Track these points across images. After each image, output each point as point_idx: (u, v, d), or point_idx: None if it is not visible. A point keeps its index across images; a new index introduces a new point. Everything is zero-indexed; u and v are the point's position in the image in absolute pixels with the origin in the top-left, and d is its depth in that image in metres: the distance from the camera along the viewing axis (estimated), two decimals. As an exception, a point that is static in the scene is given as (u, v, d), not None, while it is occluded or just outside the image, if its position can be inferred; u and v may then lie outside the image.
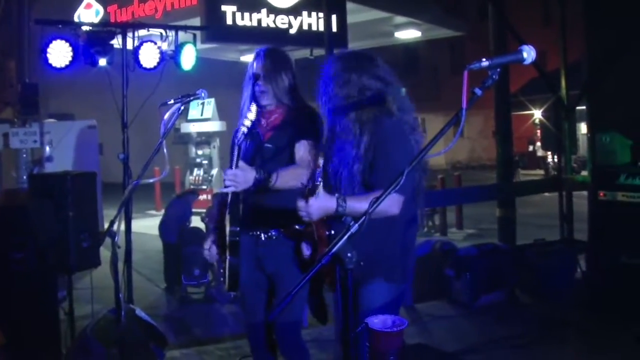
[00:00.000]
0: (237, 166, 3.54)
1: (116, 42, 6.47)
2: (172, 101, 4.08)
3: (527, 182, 14.45)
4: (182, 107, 4.10)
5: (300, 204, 3.03)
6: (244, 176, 3.52)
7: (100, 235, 5.37)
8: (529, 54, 2.43)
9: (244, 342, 5.95)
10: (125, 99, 6.11)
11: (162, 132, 3.99)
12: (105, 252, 6.46)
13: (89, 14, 13.57)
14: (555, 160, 11.81)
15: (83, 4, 13.68)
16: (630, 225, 6.78)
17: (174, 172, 17.84)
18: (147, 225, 10.49)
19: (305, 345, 4.13)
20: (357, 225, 2.27)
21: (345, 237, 2.27)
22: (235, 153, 3.62)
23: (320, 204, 3.00)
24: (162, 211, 17.16)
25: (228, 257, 3.80)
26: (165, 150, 4.03)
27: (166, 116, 4.05)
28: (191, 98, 4.10)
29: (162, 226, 9.16)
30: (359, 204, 2.95)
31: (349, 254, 2.28)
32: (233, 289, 3.82)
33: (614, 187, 6.91)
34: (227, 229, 3.79)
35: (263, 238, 3.87)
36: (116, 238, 3.96)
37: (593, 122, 7.58)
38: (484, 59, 2.41)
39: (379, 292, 3.28)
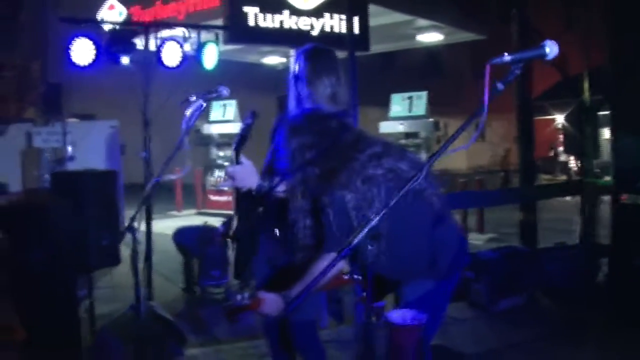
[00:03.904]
0: (237, 163, 3.56)
1: (139, 43, 6.52)
2: (194, 98, 4.10)
3: (549, 185, 14.39)
4: (204, 104, 4.11)
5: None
6: (241, 174, 3.54)
7: (121, 233, 5.41)
8: (551, 49, 2.41)
9: (262, 342, 5.95)
10: (147, 97, 6.15)
11: (184, 129, 4.00)
12: (125, 251, 6.51)
13: (112, 15, 13.68)
14: (578, 164, 11.77)
15: (106, 5, 13.79)
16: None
17: (195, 174, 17.89)
18: (168, 225, 10.53)
19: (320, 344, 4.13)
20: (377, 218, 2.26)
21: (365, 230, 2.26)
22: (234, 152, 3.64)
23: (269, 310, 3.04)
24: (183, 212, 17.37)
25: (235, 252, 3.86)
26: (187, 148, 4.04)
27: (188, 113, 4.06)
28: (213, 95, 4.11)
29: (180, 235, 9.12)
30: (306, 278, 3.01)
31: (369, 247, 2.27)
32: (237, 277, 3.86)
33: (636, 190, 6.86)
34: (234, 223, 3.83)
35: (277, 234, 3.87)
36: (136, 234, 3.99)
37: (616, 124, 7.51)
38: (506, 54, 2.40)
39: (411, 291, 3.28)
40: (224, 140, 17.16)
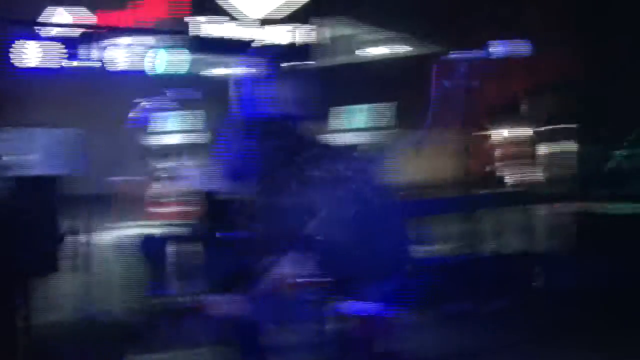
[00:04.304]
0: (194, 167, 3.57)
1: (90, 47, 6.44)
2: (145, 102, 4.08)
3: (502, 193, 14.56)
4: (156, 108, 4.10)
5: None
6: (199, 178, 3.56)
7: (65, 237, 5.33)
8: (495, 49, 2.44)
9: (221, 348, 5.88)
10: (99, 102, 6.03)
11: (136, 132, 4.00)
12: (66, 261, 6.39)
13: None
14: (523, 178, 12.04)
15: (55, 13, 13.58)
16: (599, 234, 6.90)
17: (140, 185, 17.69)
18: (112, 237, 10.36)
19: (268, 347, 4.13)
20: (324, 210, 2.27)
21: (316, 219, 2.28)
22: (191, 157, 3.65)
23: (227, 311, 3.06)
24: (127, 223, 17.13)
25: (204, 252, 3.89)
26: (138, 149, 4.02)
27: (139, 116, 4.05)
28: (166, 98, 4.11)
29: (132, 243, 8.99)
30: (263, 278, 3.02)
31: (319, 238, 2.29)
32: (199, 279, 3.88)
33: (593, 198, 7.03)
34: (195, 226, 3.85)
35: (234, 237, 3.88)
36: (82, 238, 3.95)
37: (573, 136, 7.73)
38: (453, 53, 2.43)
39: (368, 290, 3.28)
40: (169, 151, 17.02)
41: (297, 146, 3.28)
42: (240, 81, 3.86)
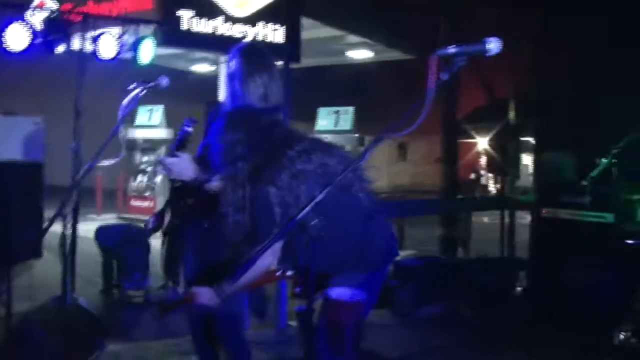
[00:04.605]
0: (174, 155, 3.58)
1: (75, 36, 6.43)
2: (132, 86, 4.08)
3: (471, 199, 14.71)
4: (142, 93, 4.10)
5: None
6: (177, 166, 3.58)
7: (49, 222, 5.31)
8: (494, 45, 2.50)
9: (184, 340, 5.91)
10: (80, 88, 6.04)
11: (120, 116, 3.99)
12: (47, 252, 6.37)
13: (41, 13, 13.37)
14: (498, 186, 12.16)
15: (35, 2, 13.47)
16: (569, 242, 7.01)
17: (118, 178, 17.61)
18: (88, 229, 10.30)
19: (245, 339, 4.17)
20: (322, 194, 2.32)
21: (311, 205, 2.31)
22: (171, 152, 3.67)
23: (204, 301, 3.07)
24: (103, 216, 17.05)
25: (165, 247, 3.87)
26: (121, 135, 4.03)
27: (125, 101, 4.04)
28: (151, 84, 4.11)
29: (102, 233, 8.95)
30: (245, 277, 3.03)
31: (312, 222, 2.32)
32: (167, 276, 3.88)
33: (557, 204, 7.14)
34: (166, 217, 3.84)
35: (206, 225, 3.88)
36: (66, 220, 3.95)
37: (539, 144, 7.84)
38: (451, 47, 2.48)
39: (339, 283, 3.31)
40: (148, 145, 16.96)
41: (283, 138, 3.31)
42: (223, 75, 3.87)
